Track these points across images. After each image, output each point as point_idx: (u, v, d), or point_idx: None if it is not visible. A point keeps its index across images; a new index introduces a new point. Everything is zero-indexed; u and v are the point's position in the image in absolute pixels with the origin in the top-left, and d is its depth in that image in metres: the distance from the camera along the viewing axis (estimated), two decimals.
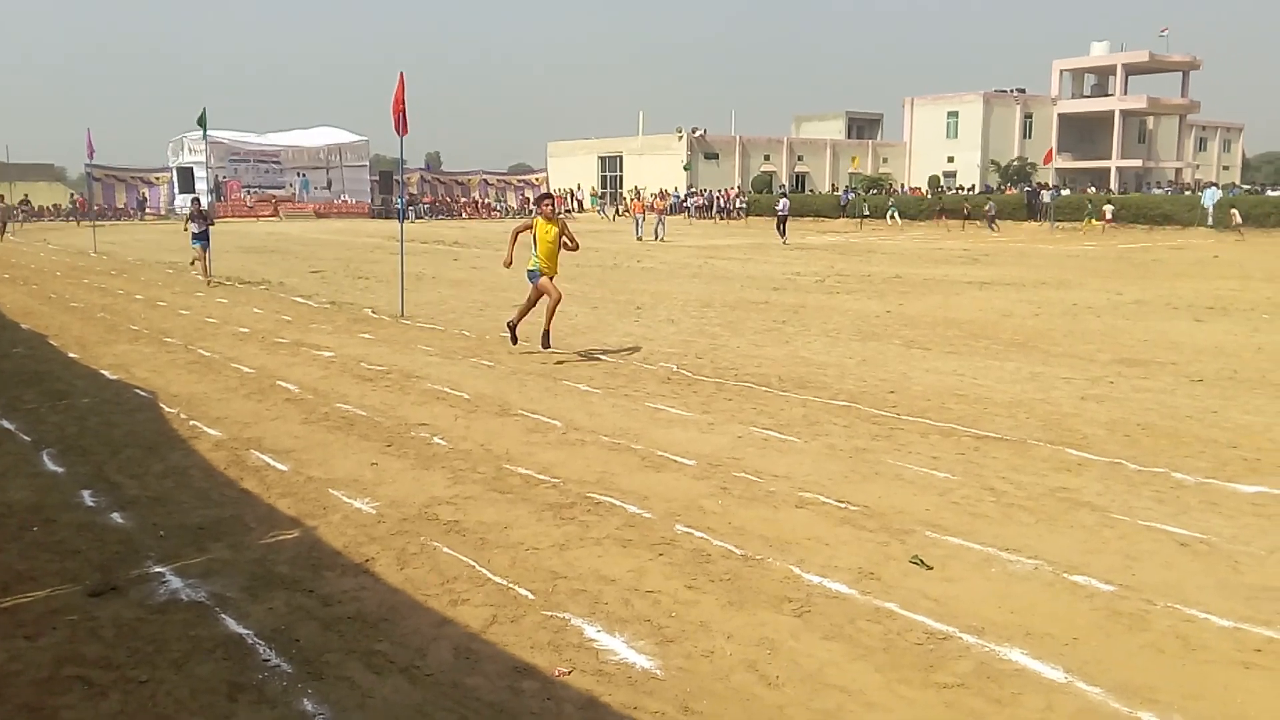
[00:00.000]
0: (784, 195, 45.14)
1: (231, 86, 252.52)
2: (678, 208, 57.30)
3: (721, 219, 56.61)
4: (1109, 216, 41.27)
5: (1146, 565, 4.97)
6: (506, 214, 64.65)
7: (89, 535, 5.50)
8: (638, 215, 40.35)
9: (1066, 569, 4.90)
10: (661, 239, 36.56)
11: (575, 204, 67.63)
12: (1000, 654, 4.04)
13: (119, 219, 54.28)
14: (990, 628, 4.27)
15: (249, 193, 59.04)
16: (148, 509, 5.92)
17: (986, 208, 45.47)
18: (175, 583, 4.82)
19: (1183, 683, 3.81)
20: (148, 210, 58.40)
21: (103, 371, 10.35)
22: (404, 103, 13.95)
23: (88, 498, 6.17)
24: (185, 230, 19.26)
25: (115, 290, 18.76)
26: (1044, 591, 4.67)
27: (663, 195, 54.41)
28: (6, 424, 8.08)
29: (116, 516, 5.81)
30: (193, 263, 19.67)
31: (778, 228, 36.00)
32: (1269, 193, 49.71)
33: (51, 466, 6.89)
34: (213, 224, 19.52)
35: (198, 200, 20.51)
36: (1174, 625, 4.29)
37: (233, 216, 53.53)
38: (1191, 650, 4.07)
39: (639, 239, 36.60)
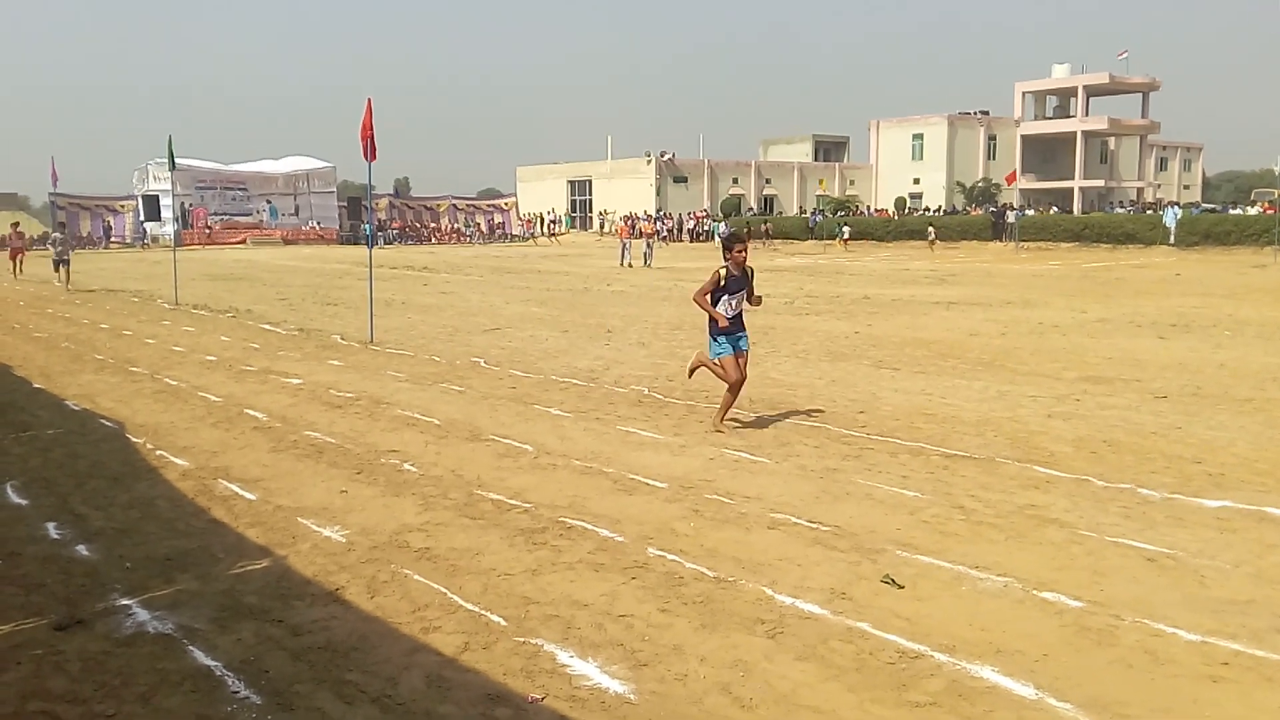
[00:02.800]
0: (723, 221, 46.27)
1: (197, 114, 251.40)
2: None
3: (692, 241, 56.86)
4: (847, 236, 48.58)
5: (1114, 581, 5.01)
6: (476, 239, 64.51)
7: (54, 568, 5.42)
8: (624, 240, 36.15)
9: (1036, 586, 4.94)
10: (649, 265, 34.37)
11: (547, 229, 67.65)
12: (971, 672, 4.06)
13: (83, 247, 53.74)
14: (961, 646, 4.29)
15: (217, 220, 58.70)
16: (114, 541, 5.85)
17: (764, 227, 52.61)
18: (142, 615, 4.76)
19: (1152, 697, 3.85)
20: (113, 238, 57.84)
21: (67, 402, 10.23)
22: (372, 128, 13.97)
23: (52, 530, 6.09)
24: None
25: (80, 320, 18.56)
26: (1014, 609, 4.70)
27: (649, 219, 51.11)
28: None
29: (82, 549, 5.74)
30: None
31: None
32: (1230, 211, 50.58)
33: (15, 499, 6.79)
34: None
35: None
36: (1142, 640, 4.33)
37: (199, 244, 53.22)
38: (1160, 665, 4.11)
39: (625, 265, 34.11)
